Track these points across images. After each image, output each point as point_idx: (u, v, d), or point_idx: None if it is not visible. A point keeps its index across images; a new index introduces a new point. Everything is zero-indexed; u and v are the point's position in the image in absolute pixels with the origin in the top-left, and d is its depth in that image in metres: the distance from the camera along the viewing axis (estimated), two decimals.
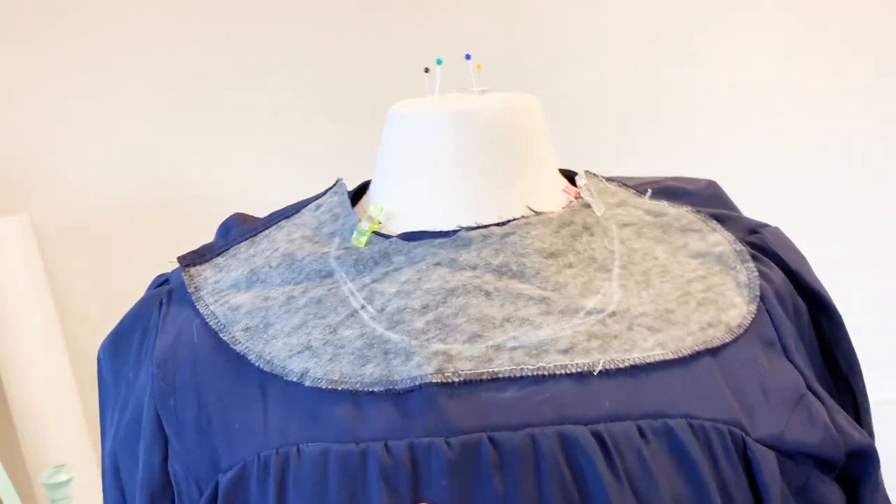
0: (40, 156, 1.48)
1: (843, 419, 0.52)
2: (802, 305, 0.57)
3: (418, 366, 0.47)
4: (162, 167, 1.51)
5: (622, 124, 1.51)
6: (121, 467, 0.56)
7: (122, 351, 0.56)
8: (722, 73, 1.49)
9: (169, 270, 0.59)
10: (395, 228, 0.54)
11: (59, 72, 1.46)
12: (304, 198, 0.61)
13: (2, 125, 1.47)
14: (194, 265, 0.56)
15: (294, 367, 0.49)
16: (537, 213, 0.53)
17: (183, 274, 0.56)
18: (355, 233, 0.53)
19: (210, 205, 1.50)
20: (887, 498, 0.55)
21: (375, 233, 0.53)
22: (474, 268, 0.51)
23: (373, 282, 0.51)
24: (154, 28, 1.46)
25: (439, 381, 0.46)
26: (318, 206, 0.58)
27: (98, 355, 0.58)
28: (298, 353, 0.49)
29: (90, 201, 1.50)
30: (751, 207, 0.64)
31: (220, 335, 0.52)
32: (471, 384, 0.47)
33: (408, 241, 0.52)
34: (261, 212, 0.62)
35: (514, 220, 0.52)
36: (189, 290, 0.55)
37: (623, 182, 0.60)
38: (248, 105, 1.50)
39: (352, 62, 1.47)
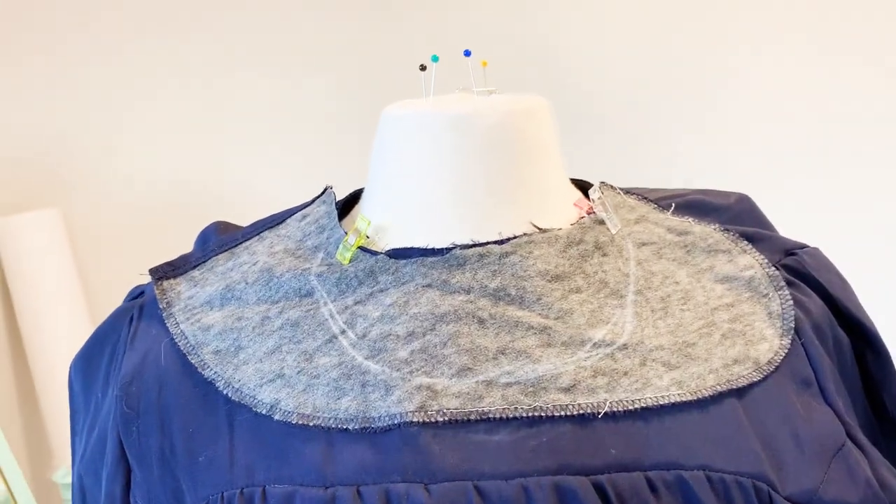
0: (71, 150, 1.48)
1: (888, 472, 0.46)
2: (844, 338, 0.51)
3: (398, 402, 0.42)
4: (194, 161, 1.50)
5: (636, 128, 1.44)
6: (86, 492, 0.52)
7: (91, 368, 0.53)
8: (741, 76, 1.41)
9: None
10: (384, 244, 0.49)
11: (87, 67, 1.45)
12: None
13: (32, 121, 1.47)
14: (167, 278, 0.52)
15: (264, 397, 0.44)
16: (542, 231, 0.47)
17: (155, 288, 0.51)
18: (340, 247, 0.48)
19: (243, 199, 1.49)
20: None
21: (362, 248, 0.48)
22: (468, 291, 0.45)
23: (355, 304, 0.46)
24: (184, 23, 1.45)
25: (421, 419, 0.41)
26: (304, 217, 0.53)
27: (69, 372, 0.55)
28: (270, 381, 0.45)
29: (121, 195, 1.50)
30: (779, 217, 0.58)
31: (189, 357, 0.47)
32: (457, 424, 0.41)
33: (396, 258, 0.47)
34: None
35: (515, 237, 0.47)
36: (160, 306, 0.50)
37: (643, 195, 0.54)
38: (280, 99, 1.47)
39: (367, 59, 1.44)
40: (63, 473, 1.37)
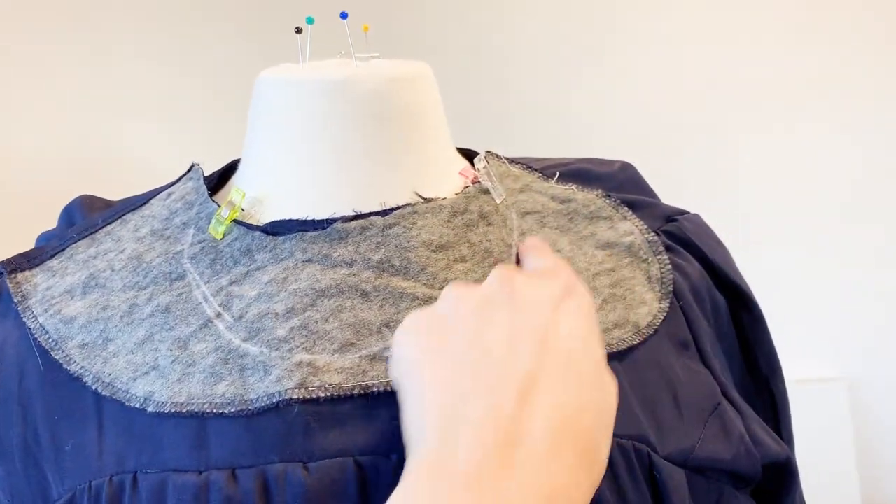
0: None
1: (760, 428, 0.48)
2: (721, 300, 0.52)
3: (277, 380, 0.40)
4: (85, 136, 1.41)
5: (530, 106, 1.43)
6: None
7: None
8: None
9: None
10: (261, 217, 0.46)
11: None
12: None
13: None
14: (21, 270, 0.48)
15: (137, 391, 0.42)
16: (426, 200, 0.46)
17: (8, 282, 0.47)
18: (213, 221, 0.45)
19: (135, 173, 1.40)
20: None
21: (238, 222, 0.45)
22: (351, 264, 0.44)
23: (231, 284, 0.44)
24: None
25: (301, 396, 0.40)
26: (170, 195, 0.50)
27: None
28: (144, 374, 0.42)
29: (12, 169, 1.39)
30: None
31: (52, 354, 0.44)
32: (339, 400, 0.40)
33: (274, 233, 0.45)
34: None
35: (399, 208, 0.45)
36: (15, 300, 0.46)
37: (528, 164, 0.54)
38: (160, 64, 1.40)
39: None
40: None
